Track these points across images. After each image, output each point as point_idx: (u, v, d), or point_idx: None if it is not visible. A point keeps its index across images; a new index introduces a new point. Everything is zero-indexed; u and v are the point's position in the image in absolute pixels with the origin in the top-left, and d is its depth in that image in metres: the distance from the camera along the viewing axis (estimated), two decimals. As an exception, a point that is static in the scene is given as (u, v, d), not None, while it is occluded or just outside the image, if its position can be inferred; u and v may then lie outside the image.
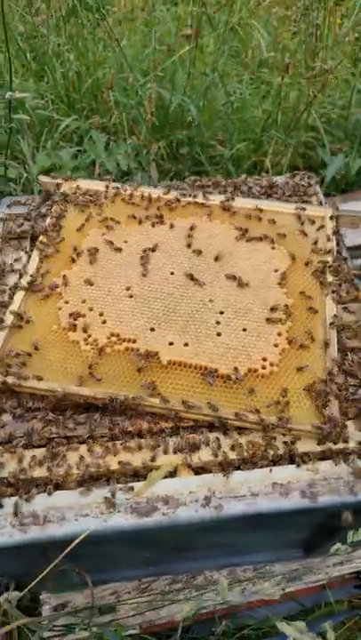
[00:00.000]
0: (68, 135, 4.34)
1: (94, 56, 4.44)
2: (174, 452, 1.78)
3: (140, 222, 2.36)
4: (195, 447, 1.79)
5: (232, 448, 1.76)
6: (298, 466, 1.74)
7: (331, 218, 2.36)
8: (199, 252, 2.24)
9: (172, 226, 2.34)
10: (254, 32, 4.54)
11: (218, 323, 2.02)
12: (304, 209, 2.38)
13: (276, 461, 1.78)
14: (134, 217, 2.36)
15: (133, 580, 2.45)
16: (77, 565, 1.80)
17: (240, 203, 2.43)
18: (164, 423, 1.83)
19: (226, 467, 1.75)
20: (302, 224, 2.34)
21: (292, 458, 1.78)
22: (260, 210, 2.40)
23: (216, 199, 2.44)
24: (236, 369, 1.87)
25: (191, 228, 2.31)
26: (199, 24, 3.89)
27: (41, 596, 2.39)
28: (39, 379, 1.85)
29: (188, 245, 2.26)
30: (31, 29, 4.63)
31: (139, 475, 1.75)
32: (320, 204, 2.55)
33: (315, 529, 2.10)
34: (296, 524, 2.02)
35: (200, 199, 2.43)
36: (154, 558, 2.23)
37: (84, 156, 4.02)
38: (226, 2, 4.30)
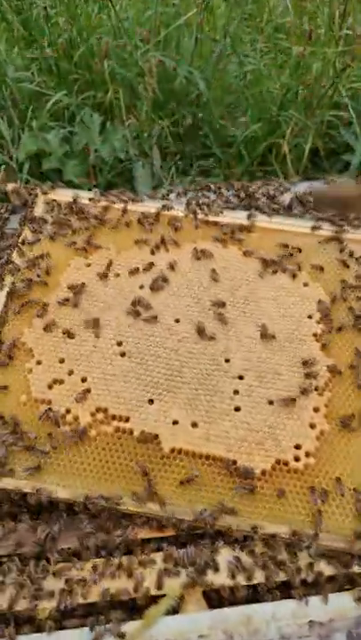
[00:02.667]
0: (58, 113, 3.75)
1: (88, 19, 3.81)
2: (176, 575, 1.35)
3: (137, 247, 1.85)
4: (205, 567, 1.35)
5: (253, 569, 1.33)
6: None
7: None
8: (211, 291, 1.74)
9: (176, 254, 1.84)
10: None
11: (236, 392, 1.55)
12: (344, 230, 1.86)
13: (309, 585, 1.35)
14: (130, 241, 1.86)
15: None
16: None
17: (261, 222, 1.91)
18: (160, 532, 1.40)
19: (243, 595, 1.33)
20: (342, 251, 1.83)
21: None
22: (286, 232, 1.88)
23: (231, 217, 1.92)
24: (258, 462, 1.42)
25: (200, 258, 1.81)
26: (209, -20, 3.27)
27: None
28: None
29: (198, 281, 1.76)
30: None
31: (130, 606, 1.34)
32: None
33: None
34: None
35: (211, 217, 1.91)
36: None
37: (76, 140, 3.45)
38: None
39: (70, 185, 3.11)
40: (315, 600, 1.34)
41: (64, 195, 1.98)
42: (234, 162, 3.60)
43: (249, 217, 1.90)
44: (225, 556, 1.37)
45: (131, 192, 2.33)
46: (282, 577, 1.35)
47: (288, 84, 3.63)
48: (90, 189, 3.00)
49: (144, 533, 1.42)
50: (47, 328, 1.66)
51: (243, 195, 2.15)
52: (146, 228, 1.88)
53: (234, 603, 1.34)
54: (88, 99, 3.47)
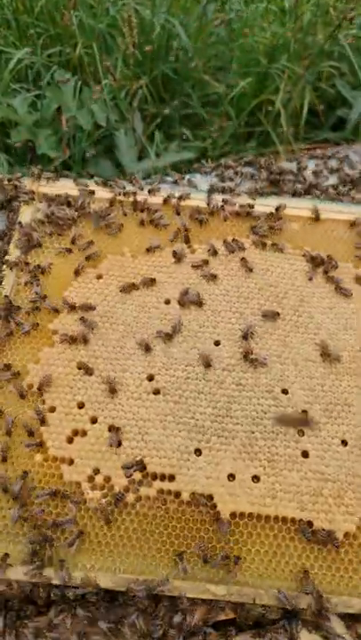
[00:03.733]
0: (21, 74, 3.24)
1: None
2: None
3: (155, 251, 1.51)
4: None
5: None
6: None
7: None
8: (253, 302, 1.43)
9: (204, 256, 1.50)
10: None
11: (301, 432, 1.26)
12: None
13: None
14: (146, 242, 1.51)
15: None
16: None
17: (295, 206, 1.58)
18: (223, 615, 1.14)
19: None
20: None
21: None
22: (337, 222, 1.56)
23: (264, 204, 1.59)
24: (339, 522, 1.15)
25: (234, 259, 1.48)
26: None
27: None
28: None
29: (235, 290, 1.44)
30: None
31: None
32: None
33: None
34: None
35: (240, 206, 1.57)
36: None
37: (45, 105, 2.97)
38: None
39: (45, 160, 2.68)
40: None
41: (57, 187, 1.60)
42: (221, 122, 3.18)
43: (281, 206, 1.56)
44: (308, 641, 1.12)
45: (112, 165, 1.95)
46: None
47: (278, 32, 3.20)
48: (65, 164, 2.57)
49: (199, 616, 1.15)
50: (57, 361, 1.32)
51: (271, 173, 1.80)
52: (162, 224, 1.53)
53: None
54: (54, 56, 3.00)
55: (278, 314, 1.39)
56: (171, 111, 3.33)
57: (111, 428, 1.26)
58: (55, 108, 3.07)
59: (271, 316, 1.39)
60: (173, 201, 1.56)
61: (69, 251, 1.48)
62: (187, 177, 1.77)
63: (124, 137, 2.92)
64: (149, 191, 1.59)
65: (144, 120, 3.23)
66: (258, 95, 3.17)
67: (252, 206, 1.55)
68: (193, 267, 1.47)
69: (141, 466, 1.21)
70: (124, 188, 1.59)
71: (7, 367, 1.31)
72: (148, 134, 2.95)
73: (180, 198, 1.57)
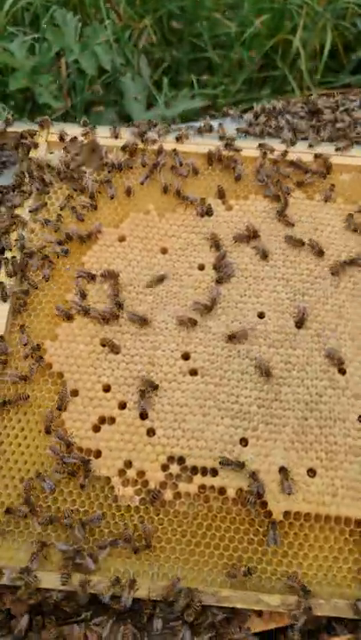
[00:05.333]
0: (18, 16, 2.95)
1: None
2: None
3: (185, 207, 1.30)
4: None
5: None
6: None
7: None
8: (302, 267, 1.23)
9: (242, 214, 1.30)
10: None
11: (362, 418, 1.09)
12: None
13: None
14: (174, 198, 1.30)
15: None
16: None
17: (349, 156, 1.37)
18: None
19: None
20: None
21: None
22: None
23: (305, 151, 1.38)
24: None
25: (277, 216, 1.28)
26: None
27: None
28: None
29: (281, 252, 1.25)
30: None
31: None
32: None
33: None
34: None
35: (280, 153, 1.35)
36: None
37: (44, 48, 2.69)
38: None
39: (47, 109, 2.44)
40: None
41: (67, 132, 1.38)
42: (234, 67, 2.89)
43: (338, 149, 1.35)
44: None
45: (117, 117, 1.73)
46: None
47: None
48: (64, 115, 2.37)
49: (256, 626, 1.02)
50: (79, 338, 1.15)
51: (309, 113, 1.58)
52: (188, 175, 1.32)
53: None
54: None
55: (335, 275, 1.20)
56: (179, 55, 3.03)
57: (144, 416, 1.09)
58: (55, 53, 2.78)
59: (329, 276, 1.20)
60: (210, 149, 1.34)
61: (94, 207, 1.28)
62: (217, 122, 1.53)
63: (132, 82, 2.65)
64: (177, 138, 1.37)
65: (150, 65, 2.94)
66: (274, 35, 2.86)
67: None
68: (230, 227, 1.26)
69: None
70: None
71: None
72: (153, 81, 2.69)
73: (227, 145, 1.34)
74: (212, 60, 2.79)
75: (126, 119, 2.39)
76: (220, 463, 1.04)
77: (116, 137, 1.37)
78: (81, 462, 1.04)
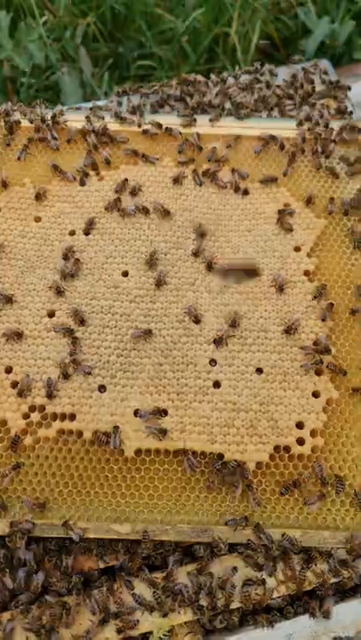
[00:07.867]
0: None
1: None
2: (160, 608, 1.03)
3: (57, 177, 1.38)
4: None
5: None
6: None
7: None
8: (164, 230, 1.32)
9: (110, 183, 1.38)
10: None
11: (213, 362, 1.18)
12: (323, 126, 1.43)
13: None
14: (47, 169, 1.38)
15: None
16: None
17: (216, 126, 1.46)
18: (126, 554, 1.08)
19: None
20: (327, 157, 1.40)
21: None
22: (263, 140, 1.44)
23: (180, 123, 1.46)
24: (251, 453, 1.08)
25: (139, 184, 1.36)
26: None
27: None
28: None
29: (144, 218, 1.33)
30: None
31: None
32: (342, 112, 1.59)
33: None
34: None
35: (151, 126, 1.44)
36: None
37: (-23, 47, 2.76)
38: None
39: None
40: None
41: None
42: (177, 61, 2.98)
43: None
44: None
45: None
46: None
47: None
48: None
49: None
50: None
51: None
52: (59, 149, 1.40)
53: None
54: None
55: (191, 240, 1.28)
56: (124, 51, 3.12)
57: (8, 370, 1.17)
58: (-11, 51, 2.85)
59: (194, 240, 1.28)
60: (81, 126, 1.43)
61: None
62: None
63: (68, 77, 2.73)
64: (53, 117, 1.45)
65: (95, 61, 3.02)
66: (212, 28, 2.96)
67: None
68: (100, 194, 1.35)
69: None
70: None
71: None
72: (100, 76, 2.76)
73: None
74: (157, 54, 2.87)
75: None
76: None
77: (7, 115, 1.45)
78: None
